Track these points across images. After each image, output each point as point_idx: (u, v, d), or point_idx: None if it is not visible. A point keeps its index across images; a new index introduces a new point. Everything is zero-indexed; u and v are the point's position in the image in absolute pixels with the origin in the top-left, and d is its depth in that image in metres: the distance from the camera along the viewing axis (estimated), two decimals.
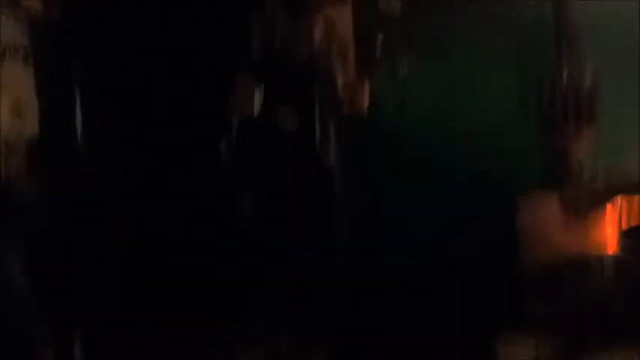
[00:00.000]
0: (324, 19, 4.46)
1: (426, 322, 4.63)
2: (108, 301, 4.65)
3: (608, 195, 4.51)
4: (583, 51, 4.94)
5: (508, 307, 4.49)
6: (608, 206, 4.53)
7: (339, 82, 4.41)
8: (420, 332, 4.54)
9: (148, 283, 4.76)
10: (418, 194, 4.91)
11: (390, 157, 5.01)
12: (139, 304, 4.71)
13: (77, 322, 4.34)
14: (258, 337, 4.52)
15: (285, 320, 4.55)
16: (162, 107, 5.14)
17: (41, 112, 4.86)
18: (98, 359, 4.27)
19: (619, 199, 4.60)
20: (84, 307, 4.43)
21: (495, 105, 5.00)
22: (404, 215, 4.90)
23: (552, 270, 4.46)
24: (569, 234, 4.51)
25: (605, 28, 4.92)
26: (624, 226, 4.54)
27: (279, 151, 4.44)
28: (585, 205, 4.54)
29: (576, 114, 4.81)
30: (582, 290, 4.40)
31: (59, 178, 4.79)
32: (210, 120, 5.04)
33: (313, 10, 4.31)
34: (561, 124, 4.82)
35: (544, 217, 4.54)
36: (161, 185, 5.06)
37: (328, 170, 4.41)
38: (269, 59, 4.56)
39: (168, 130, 5.12)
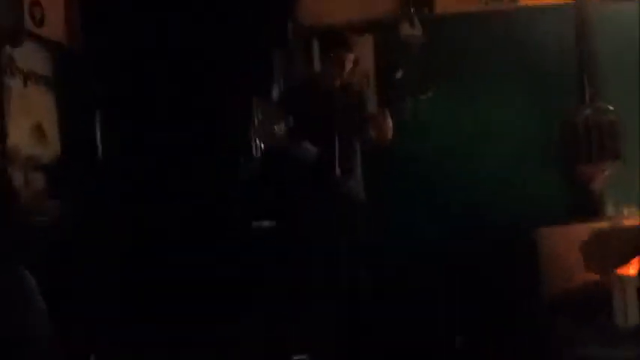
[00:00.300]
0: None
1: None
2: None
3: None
4: (604, 87, 4.93)
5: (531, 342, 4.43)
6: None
7: (365, 113, 4.41)
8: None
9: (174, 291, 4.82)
10: (440, 227, 4.87)
11: (410, 190, 4.99)
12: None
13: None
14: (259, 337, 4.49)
15: (285, 320, 4.53)
16: (184, 133, 5.18)
17: (62, 135, 4.93)
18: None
19: None
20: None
21: (518, 139, 4.98)
22: (423, 251, 4.86)
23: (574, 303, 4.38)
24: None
25: (626, 65, 4.92)
26: None
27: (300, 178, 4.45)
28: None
29: (599, 149, 4.78)
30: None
31: (80, 198, 4.83)
32: (234, 146, 5.10)
33: (347, 47, 4.36)
34: (584, 159, 4.78)
35: (566, 250, 4.47)
36: (182, 208, 5.08)
37: (349, 200, 4.39)
38: (296, 91, 4.61)
39: (190, 159, 5.15)
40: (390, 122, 4.39)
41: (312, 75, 4.81)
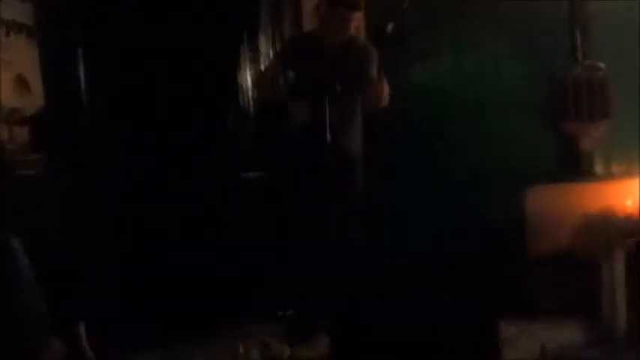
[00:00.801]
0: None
1: (429, 316, 4.61)
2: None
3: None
4: (596, 45, 4.89)
5: (513, 300, 4.46)
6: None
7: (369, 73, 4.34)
8: (422, 328, 4.53)
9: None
10: (430, 182, 4.85)
11: (403, 147, 4.95)
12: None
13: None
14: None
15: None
16: (170, 78, 5.09)
17: (45, 86, 4.84)
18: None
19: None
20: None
21: (508, 96, 4.93)
22: (415, 205, 4.83)
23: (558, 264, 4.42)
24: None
25: (619, 25, 4.87)
26: None
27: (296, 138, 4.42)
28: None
29: (588, 107, 4.75)
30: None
31: (64, 151, 4.77)
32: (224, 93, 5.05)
33: (356, 5, 4.25)
34: (573, 116, 4.76)
35: (554, 209, 4.48)
36: (169, 156, 5.03)
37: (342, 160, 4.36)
38: (298, 46, 4.55)
39: (178, 104, 5.08)
40: (386, 87, 4.32)
41: (314, 30, 4.73)
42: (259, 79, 4.85)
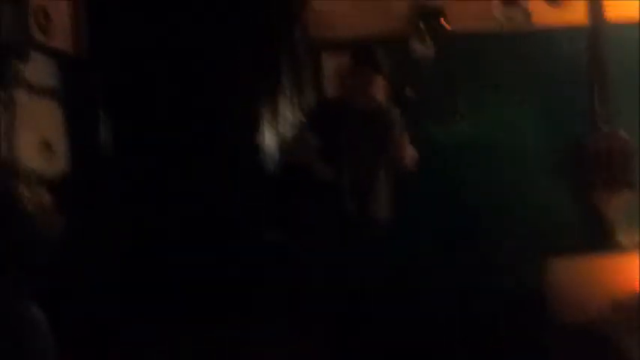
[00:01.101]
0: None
1: None
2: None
3: None
4: (617, 112, 4.90)
5: None
6: None
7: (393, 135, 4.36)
8: None
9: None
10: (453, 248, 4.85)
11: (424, 209, 4.95)
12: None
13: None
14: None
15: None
16: (193, 140, 5.13)
17: (69, 148, 4.87)
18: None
19: None
20: None
21: (529, 163, 4.95)
22: (439, 267, 4.83)
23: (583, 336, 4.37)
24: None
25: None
26: None
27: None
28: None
29: (610, 176, 4.74)
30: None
31: (87, 213, 4.79)
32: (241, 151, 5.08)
33: (379, 68, 4.29)
34: (595, 185, 4.75)
35: (577, 280, 4.45)
36: (192, 218, 5.04)
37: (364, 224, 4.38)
38: (325, 110, 4.59)
39: (200, 166, 5.11)
40: (411, 147, 4.33)
41: (340, 94, 4.75)
42: (286, 143, 4.87)
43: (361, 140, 4.29)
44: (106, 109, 5.17)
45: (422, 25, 5.15)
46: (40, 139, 4.64)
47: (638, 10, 4.93)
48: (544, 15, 5.11)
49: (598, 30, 4.89)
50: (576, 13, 5.01)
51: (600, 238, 4.81)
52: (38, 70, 4.67)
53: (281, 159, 5.06)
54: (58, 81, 4.88)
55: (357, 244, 4.27)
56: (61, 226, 4.60)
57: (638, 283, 4.21)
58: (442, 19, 5.14)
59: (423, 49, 5.14)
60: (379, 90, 4.39)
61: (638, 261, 4.40)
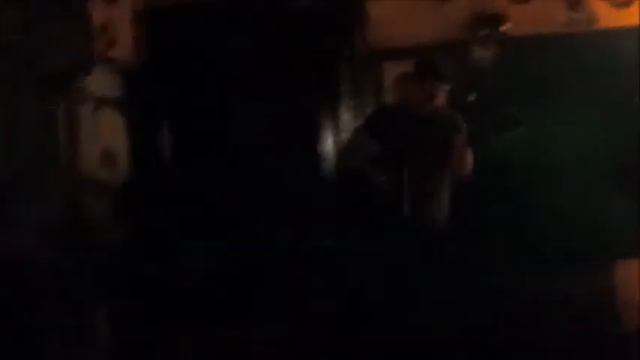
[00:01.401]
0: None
1: None
2: None
3: None
4: None
5: None
6: None
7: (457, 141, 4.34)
8: None
9: None
10: (514, 257, 4.77)
11: (483, 218, 4.90)
12: None
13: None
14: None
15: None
16: (252, 149, 5.18)
17: (132, 158, 4.97)
18: None
19: None
20: None
21: (592, 167, 4.84)
22: (498, 277, 4.76)
23: None
24: None
25: None
26: None
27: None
28: None
29: None
30: None
31: (149, 222, 4.87)
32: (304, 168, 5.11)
33: (442, 78, 4.29)
34: None
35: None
36: (251, 223, 5.10)
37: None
38: (384, 117, 4.59)
39: (260, 174, 5.15)
40: (470, 153, 4.29)
41: (400, 101, 4.74)
42: (344, 150, 4.87)
43: (421, 147, 4.26)
44: (166, 118, 5.27)
45: (481, 32, 5.10)
46: (103, 149, 4.76)
47: None
48: (608, 18, 4.99)
49: None
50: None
51: None
52: (101, 82, 4.79)
53: (339, 165, 5.06)
54: (121, 92, 5.00)
55: (414, 249, 4.23)
56: (124, 233, 4.71)
57: None
58: (502, 25, 5.08)
59: (483, 55, 5.08)
60: (442, 99, 4.36)
61: None
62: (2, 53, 4.38)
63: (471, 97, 4.99)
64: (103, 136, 4.81)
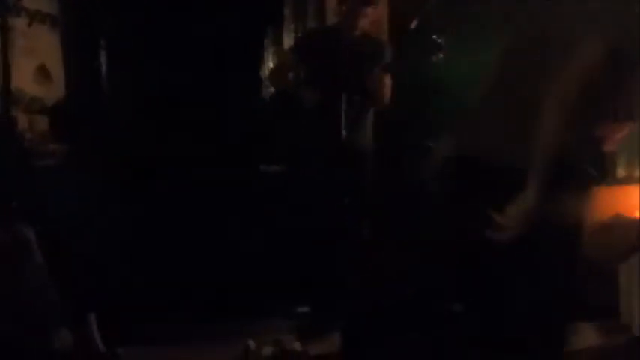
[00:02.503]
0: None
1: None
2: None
3: None
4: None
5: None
6: None
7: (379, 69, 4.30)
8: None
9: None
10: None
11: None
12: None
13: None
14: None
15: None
16: (192, 71, 5.11)
17: (67, 76, 4.88)
18: None
19: None
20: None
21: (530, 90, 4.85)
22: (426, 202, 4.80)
23: None
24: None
25: None
26: None
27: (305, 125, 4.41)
28: None
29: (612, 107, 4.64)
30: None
31: (85, 140, 4.80)
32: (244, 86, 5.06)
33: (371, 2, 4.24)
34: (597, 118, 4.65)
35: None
36: (188, 147, 5.05)
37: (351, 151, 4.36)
38: (311, 39, 4.55)
39: (198, 97, 5.10)
40: (388, 82, 4.28)
41: (329, 25, 4.71)
42: (273, 71, 4.83)
43: (345, 71, 4.24)
44: (103, 35, 5.16)
45: None
46: (37, 64, 4.66)
47: None
48: None
49: None
50: None
51: (598, 171, 4.74)
52: None
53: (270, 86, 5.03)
54: (57, 7, 4.88)
55: (341, 172, 4.26)
56: (60, 153, 4.63)
57: (628, 213, 4.15)
58: None
59: None
60: (372, 23, 4.33)
61: (634, 193, 4.34)
62: None
63: (413, 25, 4.96)
64: (38, 52, 4.70)
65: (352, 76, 4.22)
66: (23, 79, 4.50)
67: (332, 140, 4.22)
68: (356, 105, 4.27)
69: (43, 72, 4.72)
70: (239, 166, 5.07)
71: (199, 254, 4.80)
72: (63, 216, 4.45)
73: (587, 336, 4.22)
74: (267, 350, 4.02)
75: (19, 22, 4.51)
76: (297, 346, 4.06)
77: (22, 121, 4.50)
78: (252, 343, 4.03)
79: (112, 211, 4.88)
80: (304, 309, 4.52)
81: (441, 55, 4.27)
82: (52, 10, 4.83)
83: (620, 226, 4.01)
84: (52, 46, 4.85)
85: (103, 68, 5.16)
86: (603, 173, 4.71)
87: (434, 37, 4.62)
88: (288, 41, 5.24)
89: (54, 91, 4.80)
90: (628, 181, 4.55)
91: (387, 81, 4.26)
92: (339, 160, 4.23)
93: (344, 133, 4.20)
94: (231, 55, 5.20)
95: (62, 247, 3.97)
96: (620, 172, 4.73)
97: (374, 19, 4.33)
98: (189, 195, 5.02)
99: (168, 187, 5.00)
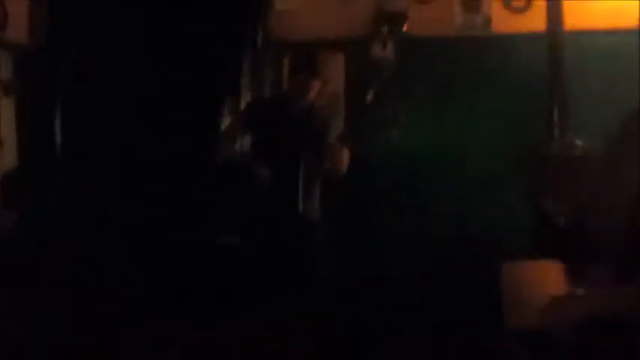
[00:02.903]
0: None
1: None
2: None
3: None
4: (575, 119, 4.90)
5: None
6: None
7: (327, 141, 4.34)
8: None
9: None
10: (402, 253, 4.84)
11: (374, 212, 4.95)
12: None
13: None
14: None
15: None
16: (148, 136, 5.08)
17: (20, 143, 4.81)
18: None
19: None
20: None
21: (485, 169, 4.95)
22: (385, 274, 4.83)
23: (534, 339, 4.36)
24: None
25: (598, 102, 4.90)
26: None
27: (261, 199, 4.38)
28: None
29: (566, 184, 4.74)
30: None
31: (37, 209, 4.72)
32: (193, 161, 5.01)
33: (313, 73, 4.29)
34: (550, 192, 4.74)
35: (530, 285, 4.43)
36: (145, 216, 4.99)
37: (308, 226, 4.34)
38: (257, 108, 4.55)
39: (153, 163, 5.06)
40: (345, 154, 4.29)
41: (277, 94, 4.74)
42: (220, 140, 4.72)
43: (290, 142, 4.25)
44: (60, 102, 5.12)
45: (384, 29, 5.14)
46: None
47: (595, 17, 4.94)
48: (504, 22, 5.10)
49: (557, 36, 4.89)
50: (536, 21, 5.00)
51: (554, 246, 4.80)
52: None
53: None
54: (12, 74, 4.83)
55: (286, 244, 4.23)
56: (11, 221, 4.55)
57: None
58: (404, 24, 5.14)
59: (383, 52, 5.12)
60: (319, 94, 4.36)
61: None
62: None
63: (369, 96, 5.03)
64: None
65: (301, 145, 4.23)
66: None
67: (287, 212, 4.21)
68: (307, 176, 4.26)
69: None
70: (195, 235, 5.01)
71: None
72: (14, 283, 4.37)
73: None
74: None
75: None
76: None
77: None
78: None
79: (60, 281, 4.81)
80: None
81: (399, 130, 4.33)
82: (6, 76, 4.79)
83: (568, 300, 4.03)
84: (6, 112, 4.79)
85: (56, 134, 5.10)
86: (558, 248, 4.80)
87: (393, 110, 4.72)
88: None
89: (6, 159, 4.72)
90: None
91: (344, 152, 4.27)
92: (293, 231, 4.22)
93: (299, 204, 4.20)
94: (188, 125, 5.17)
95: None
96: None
97: (322, 91, 4.36)
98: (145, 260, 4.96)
99: (124, 259, 4.94)
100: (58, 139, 5.09)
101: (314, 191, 4.33)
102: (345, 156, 4.26)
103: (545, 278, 4.41)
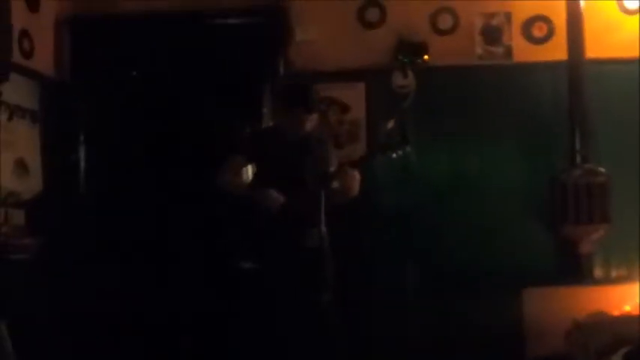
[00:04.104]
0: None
1: None
2: None
3: None
4: (596, 146, 4.90)
5: None
6: None
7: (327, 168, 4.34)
8: None
9: None
10: (419, 284, 4.84)
11: (390, 243, 4.97)
12: None
13: None
14: None
15: None
16: (168, 169, 5.14)
17: (44, 171, 4.87)
18: None
19: None
20: None
21: (506, 196, 4.94)
22: (403, 306, 4.81)
23: None
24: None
25: (619, 128, 4.91)
26: None
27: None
28: None
29: (588, 210, 4.72)
30: None
31: (60, 235, 4.76)
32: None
33: (307, 108, 4.24)
34: (572, 219, 4.73)
35: (552, 312, 4.42)
36: (163, 247, 5.05)
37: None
38: (256, 138, 4.56)
39: (174, 196, 5.10)
40: (356, 176, 4.30)
41: (274, 125, 4.77)
42: (222, 173, 4.51)
43: (291, 170, 4.26)
44: (83, 133, 5.20)
45: (405, 60, 5.17)
46: (16, 159, 4.65)
47: (616, 47, 4.95)
48: (525, 52, 5.13)
49: (578, 64, 4.90)
50: (557, 51, 5.02)
51: (575, 272, 4.78)
52: (19, 91, 4.69)
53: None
54: (38, 103, 4.91)
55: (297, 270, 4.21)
56: (34, 247, 4.59)
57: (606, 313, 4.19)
58: (425, 55, 5.17)
59: (403, 81, 5.15)
60: (313, 126, 4.37)
61: (611, 293, 4.39)
62: None
63: (390, 124, 5.05)
64: (17, 147, 4.70)
65: (305, 169, 4.25)
66: (1, 172, 4.48)
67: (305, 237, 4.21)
68: (308, 201, 4.25)
69: (21, 166, 4.70)
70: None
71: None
72: (34, 309, 4.39)
73: None
74: None
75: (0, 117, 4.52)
76: None
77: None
78: None
79: (84, 306, 4.84)
80: None
81: (407, 149, 4.33)
82: (32, 105, 4.86)
83: (595, 326, 4.02)
84: (31, 140, 4.85)
85: (81, 164, 5.17)
86: (580, 274, 4.78)
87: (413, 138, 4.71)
88: None
89: (31, 185, 4.78)
90: (605, 281, 4.61)
91: (357, 176, 4.29)
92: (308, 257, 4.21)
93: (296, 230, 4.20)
94: (210, 154, 5.21)
95: (32, 339, 3.90)
96: (598, 273, 4.78)
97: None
98: (163, 287, 5.00)
99: (144, 282, 4.96)
100: (82, 168, 5.17)
101: (321, 217, 4.32)
102: (357, 179, 4.28)
103: (568, 304, 4.42)
